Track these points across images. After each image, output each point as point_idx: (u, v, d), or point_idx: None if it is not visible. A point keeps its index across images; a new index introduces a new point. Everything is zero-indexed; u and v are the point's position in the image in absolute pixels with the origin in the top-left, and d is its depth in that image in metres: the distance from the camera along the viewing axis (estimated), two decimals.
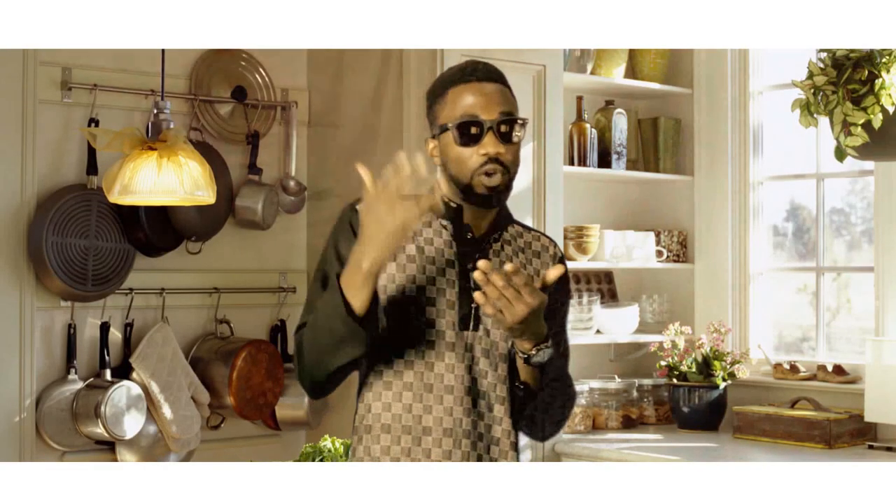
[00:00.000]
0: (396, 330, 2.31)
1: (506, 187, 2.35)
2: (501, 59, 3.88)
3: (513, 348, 2.31)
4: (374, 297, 2.22)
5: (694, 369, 4.42)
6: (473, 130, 2.31)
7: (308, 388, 2.35)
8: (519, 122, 2.34)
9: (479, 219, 2.39)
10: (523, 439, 2.49)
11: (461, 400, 2.30)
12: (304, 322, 2.34)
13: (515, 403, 2.34)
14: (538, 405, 2.34)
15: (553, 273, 2.23)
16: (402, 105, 4.05)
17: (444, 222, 2.39)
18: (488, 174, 2.31)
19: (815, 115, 3.42)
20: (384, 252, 2.18)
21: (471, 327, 2.32)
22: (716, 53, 4.70)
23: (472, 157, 2.31)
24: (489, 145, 2.30)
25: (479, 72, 2.35)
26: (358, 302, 2.20)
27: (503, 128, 2.31)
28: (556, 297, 2.42)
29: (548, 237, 2.53)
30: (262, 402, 4.16)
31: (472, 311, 2.31)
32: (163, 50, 3.55)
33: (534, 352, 2.25)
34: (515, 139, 2.34)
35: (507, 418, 2.34)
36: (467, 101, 2.33)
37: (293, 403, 4.26)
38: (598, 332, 4.59)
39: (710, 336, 4.45)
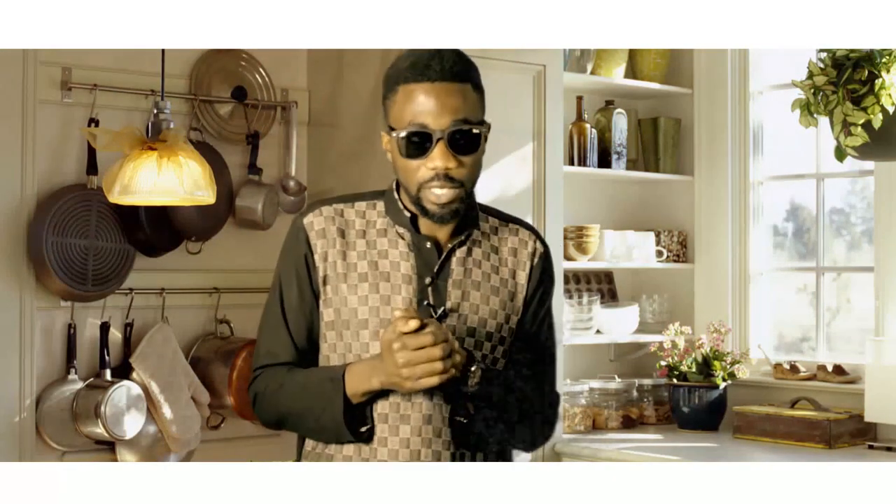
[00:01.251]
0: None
1: (461, 202, 2.12)
2: (501, 58, 3.90)
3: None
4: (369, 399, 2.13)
5: (694, 369, 4.43)
6: (421, 141, 2.08)
7: (268, 426, 2.33)
8: (474, 131, 2.09)
9: (438, 227, 2.17)
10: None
11: (419, 430, 2.14)
12: (264, 365, 2.24)
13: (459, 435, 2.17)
14: (496, 436, 2.19)
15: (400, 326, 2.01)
16: None
17: (401, 230, 2.18)
18: (436, 190, 2.09)
19: (815, 115, 3.42)
20: (393, 388, 2.08)
21: None
22: (716, 53, 4.70)
23: (419, 170, 2.09)
24: (437, 159, 2.07)
25: (432, 70, 2.07)
26: (354, 400, 2.12)
27: (458, 136, 2.08)
28: (535, 294, 2.26)
29: (528, 229, 2.29)
30: None
31: None
32: (163, 50, 3.55)
33: (468, 375, 2.08)
34: (474, 148, 2.10)
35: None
36: (416, 105, 2.07)
37: None
38: (598, 332, 4.59)
39: (710, 336, 4.45)
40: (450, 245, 2.19)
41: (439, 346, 2.00)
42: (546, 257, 2.29)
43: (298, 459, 2.29)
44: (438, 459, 2.15)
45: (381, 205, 2.23)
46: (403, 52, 2.18)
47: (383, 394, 2.13)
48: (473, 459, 2.19)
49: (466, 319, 2.17)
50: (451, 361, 2.02)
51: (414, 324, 2.00)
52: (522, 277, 2.25)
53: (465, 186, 2.12)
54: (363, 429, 2.14)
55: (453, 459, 2.16)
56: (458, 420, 2.14)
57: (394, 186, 2.23)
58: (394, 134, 2.12)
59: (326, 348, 2.22)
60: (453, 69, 2.09)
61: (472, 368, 2.09)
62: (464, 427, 2.15)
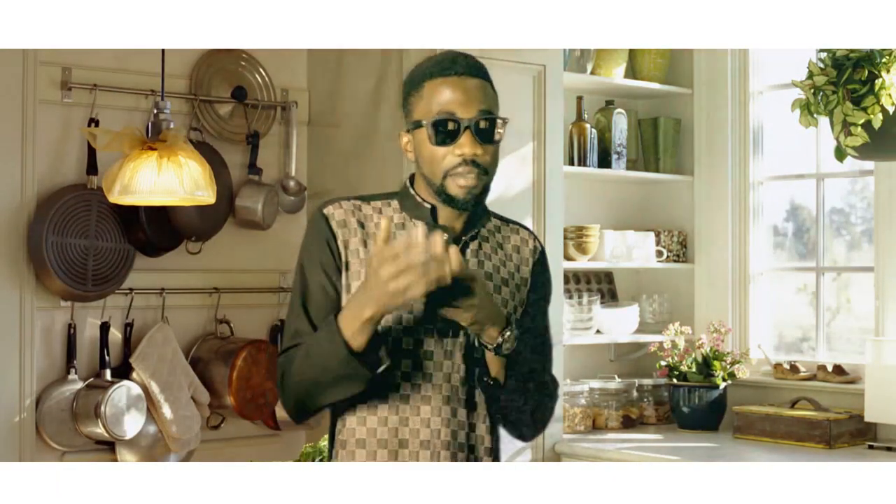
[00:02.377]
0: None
1: (482, 189, 2.22)
2: (501, 58, 3.90)
3: (480, 344, 2.19)
4: (375, 336, 2.12)
5: (694, 369, 4.43)
6: (450, 128, 2.18)
7: (293, 415, 2.28)
8: (499, 120, 2.21)
9: (455, 218, 2.28)
10: (515, 443, 2.45)
11: (439, 410, 2.22)
12: (289, 347, 2.24)
13: (486, 400, 2.24)
14: (518, 405, 2.25)
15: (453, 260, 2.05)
16: None
17: (418, 223, 2.27)
18: (463, 176, 2.19)
19: (815, 115, 3.42)
20: (386, 309, 2.08)
21: (450, 334, 2.22)
22: (716, 53, 4.70)
23: (446, 158, 2.19)
24: (466, 146, 2.18)
25: (458, 65, 2.21)
26: (356, 343, 2.10)
27: (482, 126, 2.19)
28: (538, 287, 2.36)
29: (527, 230, 2.42)
30: (262, 402, 4.16)
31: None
32: (163, 50, 3.55)
33: (500, 339, 2.14)
34: (496, 138, 2.21)
35: (482, 424, 2.26)
36: (445, 96, 2.19)
37: None
38: (598, 332, 4.59)
39: (710, 336, 4.45)
40: (464, 237, 2.29)
41: (414, 250, 2.02)
42: (543, 254, 2.41)
43: (331, 444, 2.30)
44: (461, 426, 2.23)
45: (395, 203, 2.32)
46: (423, 60, 2.29)
47: (414, 363, 2.21)
48: (491, 425, 2.28)
49: None
50: (437, 267, 2.03)
51: (385, 223, 2.06)
52: (526, 272, 2.36)
53: (489, 173, 2.23)
54: (380, 369, 2.14)
55: (470, 429, 2.25)
56: (486, 382, 2.21)
57: (408, 184, 2.32)
58: (424, 122, 2.21)
59: None
60: (477, 65, 2.24)
61: (507, 332, 2.16)
62: (489, 389, 2.22)
